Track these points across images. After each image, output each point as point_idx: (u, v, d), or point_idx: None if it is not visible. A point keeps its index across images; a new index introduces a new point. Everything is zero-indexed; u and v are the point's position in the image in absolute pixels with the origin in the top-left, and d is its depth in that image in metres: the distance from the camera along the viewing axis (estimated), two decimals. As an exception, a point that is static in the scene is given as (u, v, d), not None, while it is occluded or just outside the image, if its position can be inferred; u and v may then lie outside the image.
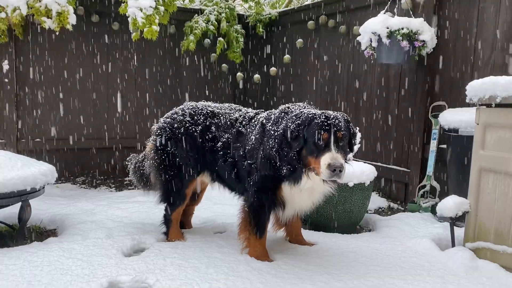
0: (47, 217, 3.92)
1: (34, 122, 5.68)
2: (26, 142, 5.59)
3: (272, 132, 2.81)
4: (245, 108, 3.35)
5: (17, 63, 5.49)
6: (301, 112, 2.75)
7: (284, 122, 2.78)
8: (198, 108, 3.35)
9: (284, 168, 2.74)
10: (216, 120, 3.25)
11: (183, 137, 3.26)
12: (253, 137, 2.98)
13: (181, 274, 2.68)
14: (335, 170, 2.44)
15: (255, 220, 2.97)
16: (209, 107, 3.35)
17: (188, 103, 3.46)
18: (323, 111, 2.72)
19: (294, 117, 2.73)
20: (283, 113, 2.89)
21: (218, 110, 3.31)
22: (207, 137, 3.23)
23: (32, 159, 3.63)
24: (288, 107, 2.94)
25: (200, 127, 3.25)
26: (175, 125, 3.31)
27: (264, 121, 2.97)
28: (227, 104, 3.43)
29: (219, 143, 3.18)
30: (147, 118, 6.27)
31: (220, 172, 3.25)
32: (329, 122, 2.58)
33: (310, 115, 2.65)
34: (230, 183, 3.28)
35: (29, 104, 5.64)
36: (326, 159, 2.47)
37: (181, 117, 3.32)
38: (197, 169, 3.30)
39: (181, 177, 3.31)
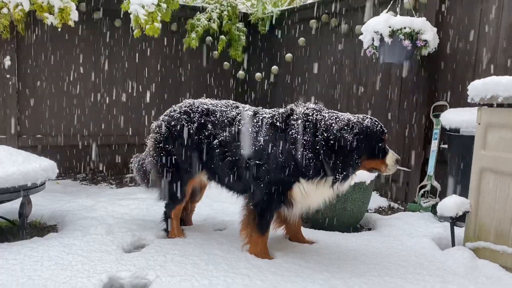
0: (48, 213, 3.93)
1: (35, 118, 5.69)
2: (27, 138, 5.60)
3: (311, 141, 2.81)
4: (242, 105, 3.33)
5: (18, 59, 5.50)
6: (357, 122, 2.83)
7: (331, 134, 2.79)
8: (195, 105, 3.33)
9: (334, 172, 2.81)
10: (212, 118, 3.23)
11: (179, 135, 3.26)
12: (262, 138, 2.96)
13: (181, 270, 2.69)
14: (398, 161, 2.92)
15: (260, 218, 2.97)
16: (205, 104, 3.33)
17: (186, 100, 3.45)
18: (372, 118, 2.92)
19: (348, 128, 2.78)
20: (309, 121, 2.86)
21: (214, 108, 3.29)
22: (203, 135, 3.21)
23: (33, 154, 3.63)
24: (309, 114, 2.90)
25: (196, 124, 3.24)
26: (172, 123, 3.31)
27: (277, 123, 2.94)
28: (224, 101, 3.40)
29: (216, 141, 3.16)
30: (149, 115, 6.26)
31: (217, 171, 3.24)
32: (383, 130, 2.90)
33: (366, 125, 2.83)
34: (228, 182, 3.24)
35: (30, 100, 5.64)
36: (392, 157, 2.89)
37: (178, 115, 3.32)
38: (196, 167, 3.29)
39: (180, 175, 3.30)
